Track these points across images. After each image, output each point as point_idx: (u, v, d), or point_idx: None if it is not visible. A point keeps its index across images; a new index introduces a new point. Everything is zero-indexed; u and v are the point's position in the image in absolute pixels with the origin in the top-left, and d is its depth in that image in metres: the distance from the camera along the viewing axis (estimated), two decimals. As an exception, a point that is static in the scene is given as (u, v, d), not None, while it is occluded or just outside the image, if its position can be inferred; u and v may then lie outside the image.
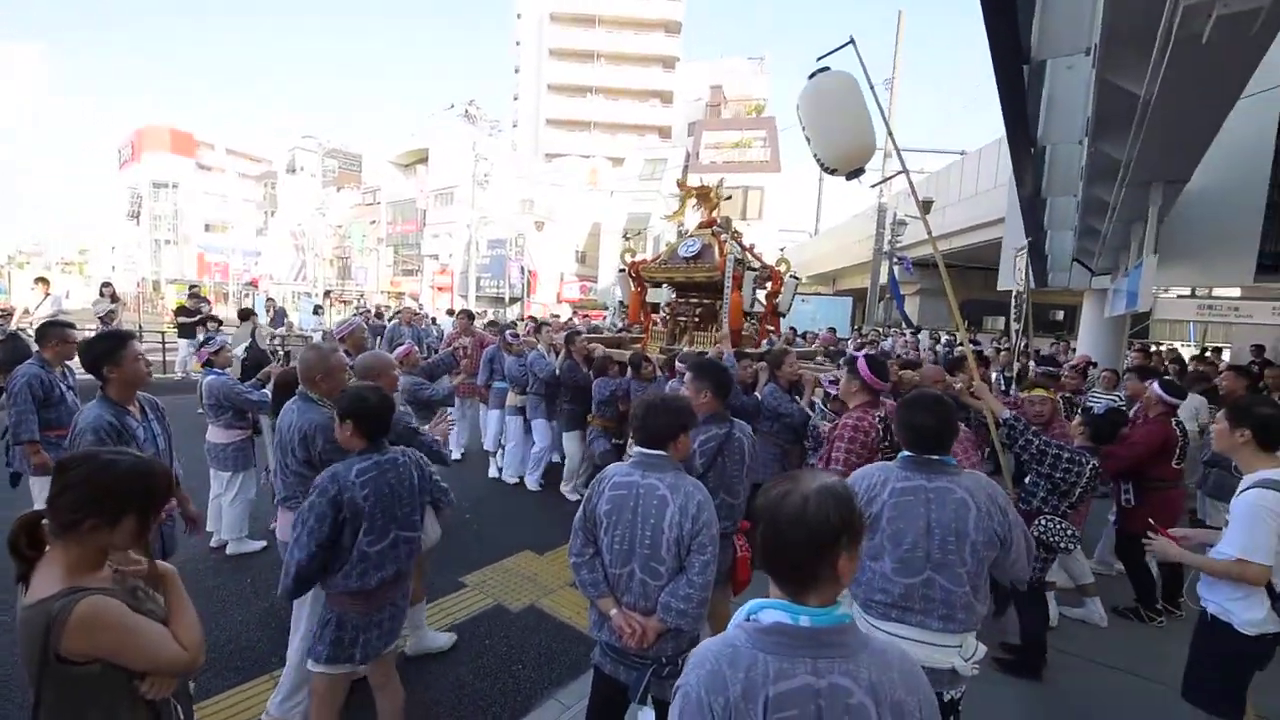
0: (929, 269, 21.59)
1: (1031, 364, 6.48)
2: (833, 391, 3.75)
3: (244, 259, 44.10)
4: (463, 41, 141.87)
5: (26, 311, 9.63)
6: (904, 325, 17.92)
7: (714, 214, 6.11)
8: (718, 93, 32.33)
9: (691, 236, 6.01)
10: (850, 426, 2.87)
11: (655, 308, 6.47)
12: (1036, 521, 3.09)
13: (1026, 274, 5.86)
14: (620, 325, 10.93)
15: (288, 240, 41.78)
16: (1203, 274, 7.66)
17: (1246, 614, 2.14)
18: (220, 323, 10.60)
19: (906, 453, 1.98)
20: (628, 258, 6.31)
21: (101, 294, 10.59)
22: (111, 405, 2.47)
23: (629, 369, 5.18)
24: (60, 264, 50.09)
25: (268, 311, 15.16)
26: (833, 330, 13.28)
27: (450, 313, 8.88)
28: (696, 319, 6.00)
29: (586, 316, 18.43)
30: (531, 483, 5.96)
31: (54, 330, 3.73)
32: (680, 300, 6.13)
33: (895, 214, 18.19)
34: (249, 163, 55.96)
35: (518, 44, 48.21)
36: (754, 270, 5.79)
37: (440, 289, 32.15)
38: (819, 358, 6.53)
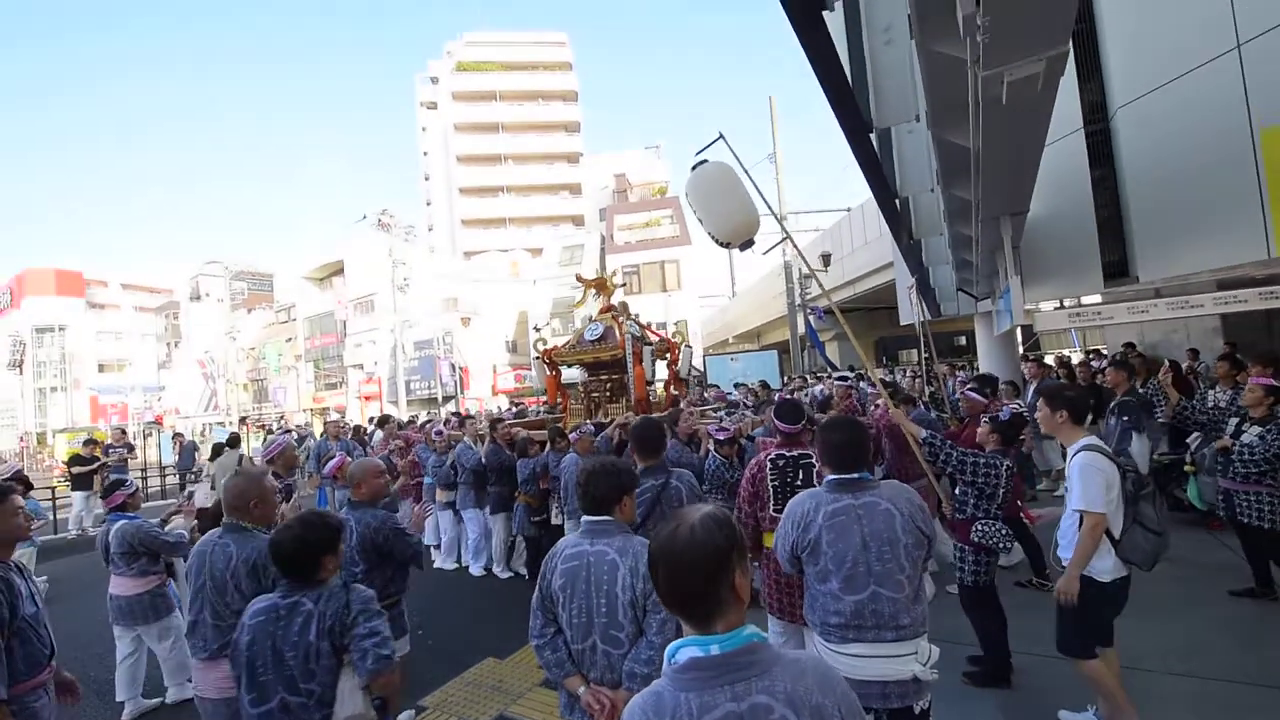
0: (842, 314, 23.13)
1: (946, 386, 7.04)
2: (721, 438, 4.14)
3: (145, 396, 40.90)
4: (369, 157, 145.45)
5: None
6: (829, 369, 18.92)
7: (610, 300, 6.93)
8: (623, 180, 34.50)
9: (595, 321, 6.76)
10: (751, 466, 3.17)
11: (570, 388, 7.27)
12: (974, 528, 3.28)
13: (920, 307, 6.52)
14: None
15: (195, 370, 39.32)
16: (1064, 287, 8.72)
17: (1098, 564, 2.47)
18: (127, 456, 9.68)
19: (831, 476, 2.13)
20: (540, 346, 6.92)
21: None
22: None
23: (548, 445, 5.44)
24: (-80, 431, 44.36)
25: (174, 448, 14.02)
26: (764, 383, 13.80)
27: (380, 421, 8.65)
28: (608, 393, 6.63)
29: (522, 404, 18.25)
30: (476, 569, 6.00)
31: None
32: (591, 379, 6.79)
33: (801, 269, 19.63)
34: (147, 295, 53.18)
35: (425, 154, 49.88)
36: (651, 345, 6.50)
37: (368, 398, 30.92)
38: (717, 410, 7.07)
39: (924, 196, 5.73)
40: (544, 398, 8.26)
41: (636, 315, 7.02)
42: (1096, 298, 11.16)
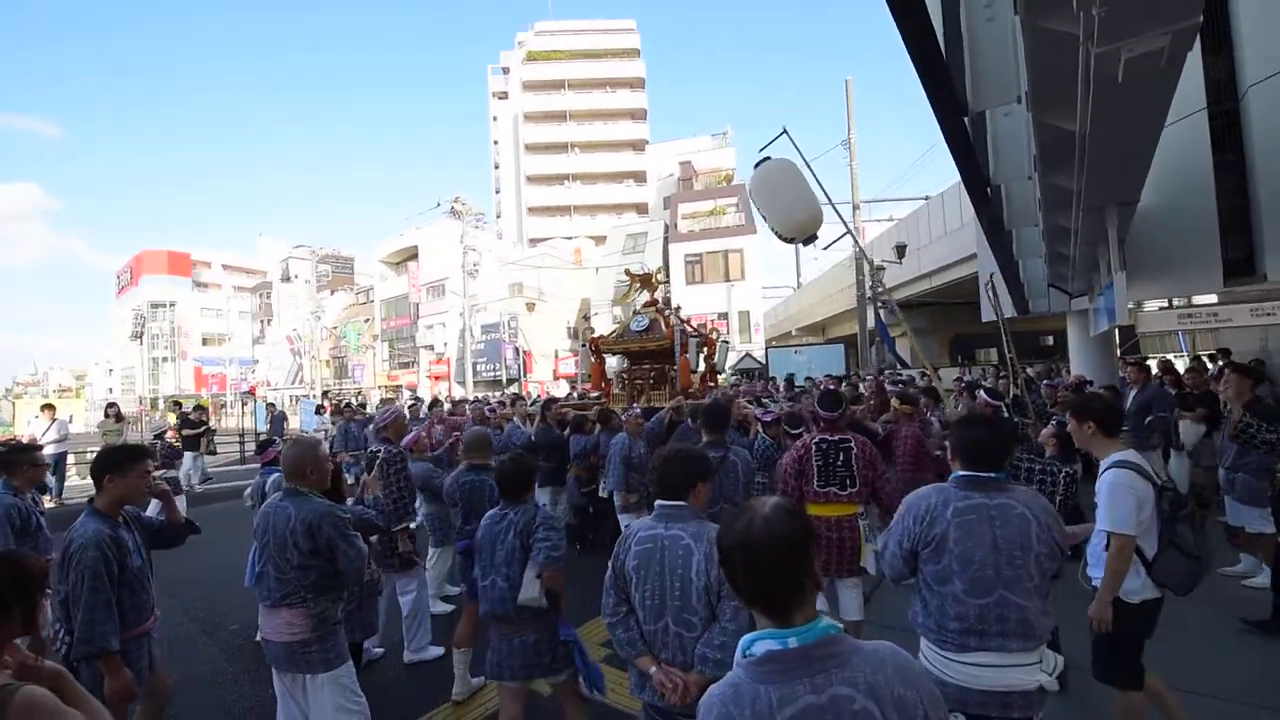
0: (914, 309, 22.11)
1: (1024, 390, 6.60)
2: (767, 419, 4.76)
3: (241, 368, 44.56)
4: (443, 145, 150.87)
5: (34, 440, 9.68)
6: (898, 366, 18.13)
7: (654, 295, 7.49)
8: (688, 167, 34.13)
9: (640, 314, 7.24)
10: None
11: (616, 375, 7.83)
12: None
13: (998, 305, 6.12)
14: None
15: (284, 346, 42.39)
16: (1175, 285, 7.94)
17: (1128, 583, 2.32)
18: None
19: (961, 472, 2.03)
20: (589, 335, 7.34)
21: (106, 414, 10.68)
22: (103, 518, 2.49)
23: (598, 424, 5.83)
24: (59, 391, 50.30)
25: (266, 417, 15.22)
26: (830, 377, 13.48)
27: (431, 403, 9.13)
28: (651, 381, 7.14)
29: (583, 389, 18.58)
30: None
31: (23, 455, 3.62)
32: (634, 367, 7.33)
33: (874, 259, 18.84)
34: (245, 275, 57.72)
35: (495, 143, 51.24)
36: (697, 338, 7.01)
37: (437, 378, 32.40)
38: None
39: (1018, 184, 5.34)
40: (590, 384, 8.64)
41: (678, 308, 7.63)
42: (1211, 298, 10.12)
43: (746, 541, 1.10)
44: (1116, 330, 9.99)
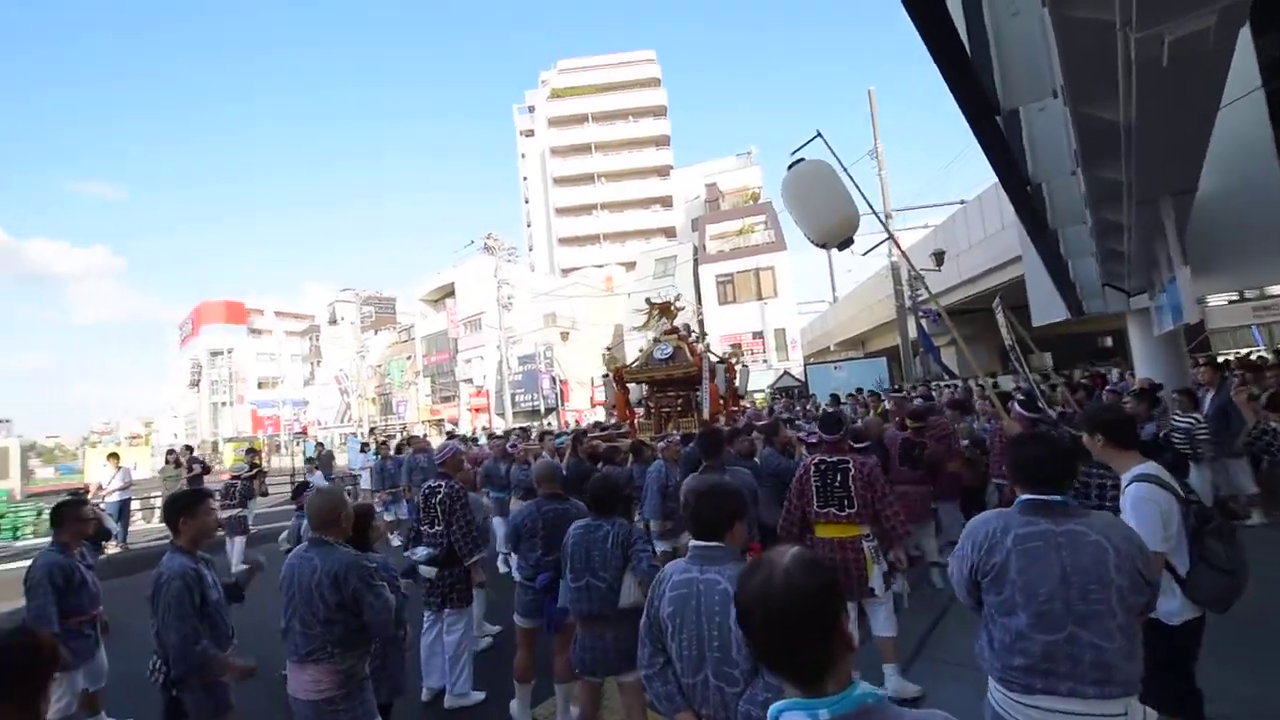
0: (957, 316, 21.33)
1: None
2: (812, 441, 4.56)
3: (293, 409, 46.37)
4: (477, 183, 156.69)
5: (100, 488, 10.20)
6: (945, 377, 17.43)
7: (674, 322, 7.60)
8: (713, 189, 34.27)
9: (662, 342, 7.23)
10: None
11: (638, 403, 7.86)
12: None
13: (1010, 324, 5.67)
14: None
15: (332, 386, 43.98)
16: (1246, 276, 7.39)
17: (1164, 606, 2.18)
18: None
19: (1025, 496, 1.87)
20: (612, 365, 7.49)
21: (167, 461, 11.19)
22: (186, 554, 2.71)
23: (631, 456, 5.66)
24: (129, 439, 53.36)
25: (315, 456, 15.67)
26: (873, 393, 13.03)
27: (448, 435, 9.24)
28: (678, 409, 7.12)
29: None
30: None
31: (68, 510, 3.72)
32: (659, 395, 7.30)
33: (909, 269, 18.32)
34: (294, 320, 60.57)
35: (524, 179, 52.75)
36: (724, 364, 7.14)
37: (477, 410, 32.95)
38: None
39: (1061, 181, 5.06)
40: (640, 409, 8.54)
41: (704, 335, 7.84)
42: (1285, 287, 9.37)
43: (765, 597, 0.99)
44: (1183, 328, 9.34)
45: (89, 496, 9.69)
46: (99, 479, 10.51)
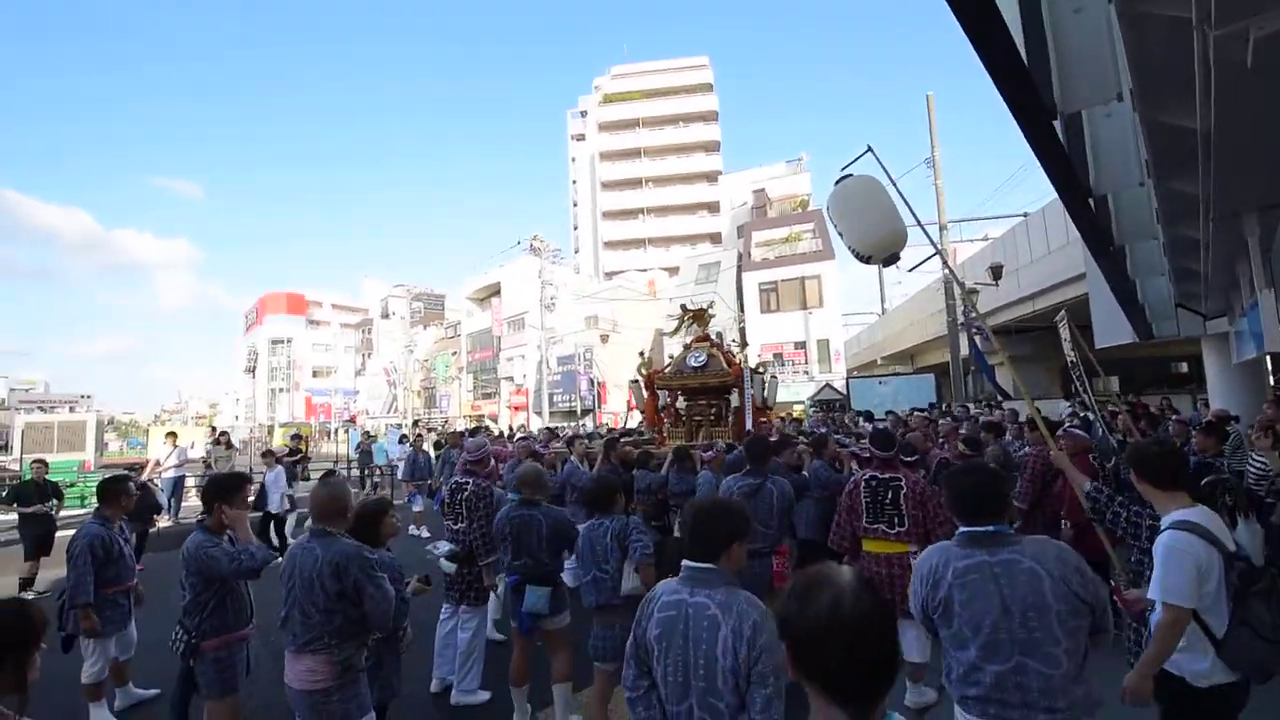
0: (1015, 335, 20.28)
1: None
2: (865, 456, 4.47)
3: (344, 398, 48.31)
4: (527, 186, 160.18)
5: (157, 464, 10.82)
6: (998, 397, 16.57)
7: (706, 330, 7.51)
8: (762, 195, 33.78)
9: (696, 349, 7.10)
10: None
11: (661, 409, 7.74)
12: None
13: (1075, 342, 5.24)
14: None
15: (381, 378, 45.60)
16: (1343, 303, 6.67)
17: (1192, 665, 2.00)
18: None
19: (962, 529, 1.91)
20: (643, 371, 7.33)
21: (218, 442, 11.78)
22: (209, 533, 2.95)
23: (670, 463, 5.55)
24: (195, 419, 56.82)
25: (359, 446, 16.20)
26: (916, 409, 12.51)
27: (472, 431, 9.23)
28: (711, 418, 7.01)
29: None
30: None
31: (113, 486, 3.91)
32: (690, 403, 7.18)
33: (965, 282, 17.53)
34: (350, 313, 63.21)
35: (574, 182, 53.45)
36: (761, 374, 7.02)
37: (516, 408, 33.49)
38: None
39: (1129, 193, 4.68)
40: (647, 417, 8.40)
41: (733, 342, 8.10)
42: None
43: (837, 622, 0.95)
44: (1268, 357, 8.53)
45: (148, 471, 10.29)
46: (158, 455, 11.13)
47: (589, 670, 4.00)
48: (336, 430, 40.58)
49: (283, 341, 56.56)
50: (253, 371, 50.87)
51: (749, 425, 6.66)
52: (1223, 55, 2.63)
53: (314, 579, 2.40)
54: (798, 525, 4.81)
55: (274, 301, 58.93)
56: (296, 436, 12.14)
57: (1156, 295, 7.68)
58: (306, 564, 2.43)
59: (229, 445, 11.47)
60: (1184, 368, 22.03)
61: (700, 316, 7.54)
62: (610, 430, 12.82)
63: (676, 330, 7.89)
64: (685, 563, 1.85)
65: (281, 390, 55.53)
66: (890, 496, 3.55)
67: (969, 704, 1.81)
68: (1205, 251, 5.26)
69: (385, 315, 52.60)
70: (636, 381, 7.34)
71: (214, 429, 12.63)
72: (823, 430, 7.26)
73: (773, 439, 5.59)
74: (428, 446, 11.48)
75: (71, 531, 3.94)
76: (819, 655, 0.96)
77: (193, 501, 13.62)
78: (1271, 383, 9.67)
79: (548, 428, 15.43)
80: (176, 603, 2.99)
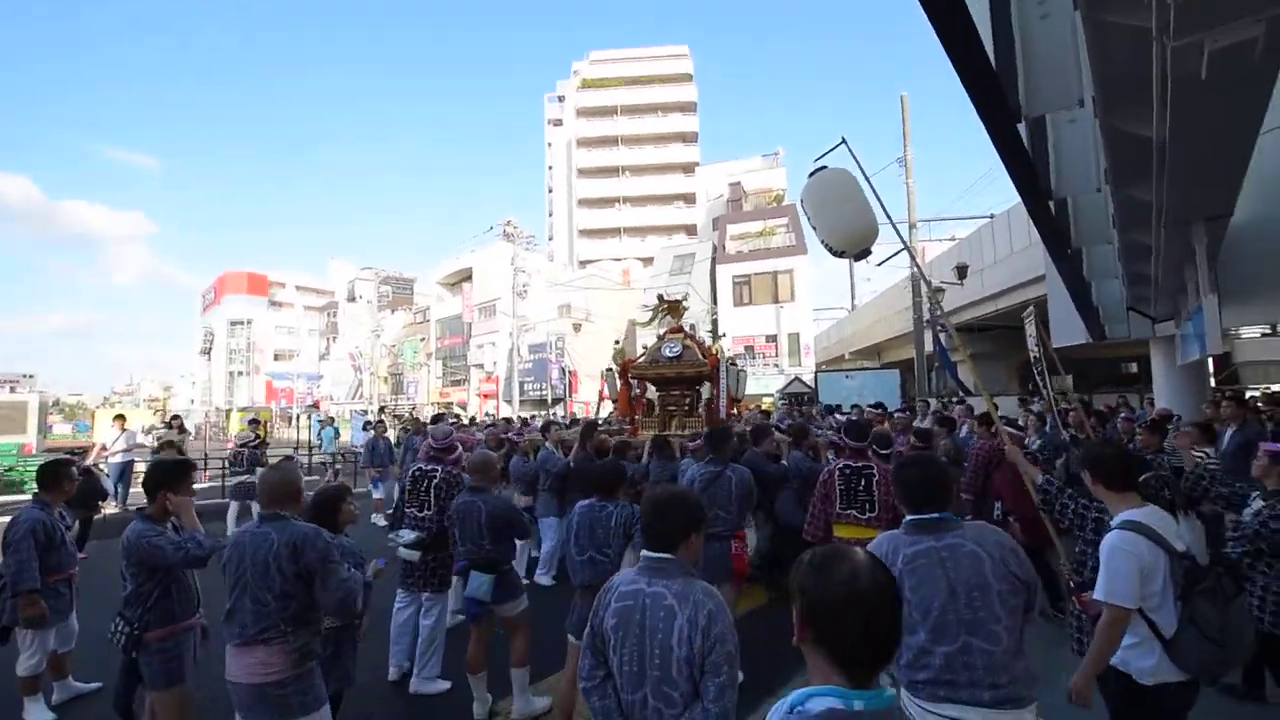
0: (977, 333, 20.89)
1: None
2: (838, 444, 4.83)
3: (307, 383, 47.00)
4: (501, 171, 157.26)
5: (104, 448, 10.34)
6: (959, 394, 17.07)
7: (680, 321, 7.45)
8: (737, 189, 33.92)
9: (670, 340, 7.12)
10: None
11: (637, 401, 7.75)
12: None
13: (1040, 338, 5.46)
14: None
15: (346, 362, 44.50)
16: (1277, 309, 7.04)
17: (1139, 663, 2.05)
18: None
19: (909, 517, 1.98)
20: (619, 360, 7.28)
21: (170, 425, 11.32)
22: (151, 521, 2.81)
23: (649, 453, 5.47)
24: (148, 401, 54.57)
25: (319, 431, 15.79)
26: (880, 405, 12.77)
27: (435, 419, 9.07)
28: (685, 408, 7.09)
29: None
30: (546, 579, 5.90)
31: (55, 470, 3.75)
32: (663, 394, 7.19)
33: (932, 281, 17.94)
34: (315, 295, 61.34)
35: (550, 168, 52.74)
36: (737, 365, 7.25)
37: (486, 395, 33.10)
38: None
39: (1087, 198, 4.84)
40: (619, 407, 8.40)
41: (709, 334, 8.19)
42: (1324, 323, 8.96)
43: (855, 595, 1.01)
44: (1210, 359, 8.96)
45: (93, 456, 9.84)
46: (104, 439, 10.65)
47: (550, 655, 3.96)
48: (299, 416, 39.47)
49: (242, 323, 54.56)
50: (209, 353, 48.98)
51: (722, 414, 6.74)
52: (1179, 66, 2.72)
53: (269, 562, 2.30)
54: (779, 513, 4.98)
55: (234, 281, 56.74)
56: (255, 421, 11.69)
57: (1110, 298, 7.98)
58: (259, 549, 2.33)
59: (181, 429, 11.01)
60: (1134, 368, 23.04)
61: (675, 308, 7.49)
62: (585, 417, 12.74)
63: (652, 320, 7.83)
64: (643, 553, 1.86)
65: (240, 373, 53.66)
66: (863, 484, 3.77)
67: (918, 688, 1.84)
68: (1156, 257, 5.48)
69: (352, 298, 51.23)
70: (611, 370, 7.29)
71: (162, 414, 12.09)
72: (801, 421, 7.36)
73: (750, 429, 5.84)
74: (390, 433, 11.24)
75: (6, 519, 3.74)
76: (837, 626, 1.00)
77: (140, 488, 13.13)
78: (1212, 384, 10.17)
79: (519, 416, 15.30)
80: (120, 593, 2.86)
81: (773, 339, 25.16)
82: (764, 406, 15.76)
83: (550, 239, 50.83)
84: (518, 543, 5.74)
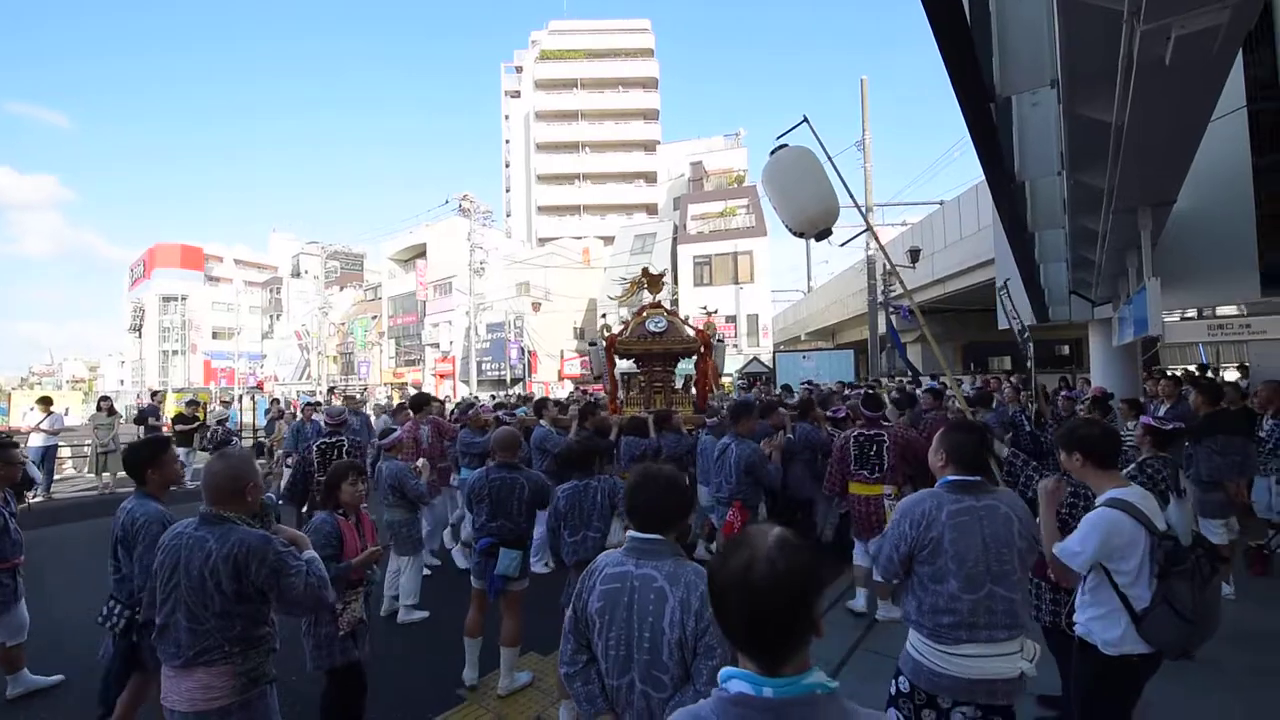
0: (926, 315, 21.65)
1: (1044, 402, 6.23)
2: (840, 416, 5.50)
3: (249, 363, 44.74)
4: (455, 144, 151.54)
5: (17, 430, 9.56)
6: (909, 373, 17.71)
7: (656, 298, 7.30)
8: (699, 168, 33.79)
9: (653, 315, 6.97)
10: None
11: (597, 378, 7.80)
12: None
13: (1014, 312, 5.74)
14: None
15: (292, 341, 42.51)
16: (1207, 294, 7.50)
17: (1104, 633, 2.14)
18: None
19: (953, 476, 2.14)
20: (606, 333, 7.01)
21: (99, 408, 10.54)
22: (156, 499, 2.80)
23: (654, 427, 5.51)
24: (71, 382, 50.82)
25: (268, 413, 15.02)
26: (842, 384, 13.14)
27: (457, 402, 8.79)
28: (673, 386, 7.00)
29: (587, 391, 18.26)
30: (537, 566, 5.66)
31: None
32: (647, 369, 7.07)
33: (885, 264, 18.43)
34: (256, 270, 58.13)
35: (507, 141, 51.21)
36: (723, 341, 7.25)
37: (442, 376, 32.30)
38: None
39: (1044, 182, 4.99)
40: (601, 384, 8.22)
41: (675, 308, 8.11)
42: (1234, 309, 9.65)
43: (746, 582, 0.97)
44: (1139, 341, 9.54)
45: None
46: (25, 423, 9.83)
47: (538, 636, 4.06)
48: (241, 397, 37.59)
49: (176, 298, 51.21)
50: (139, 331, 45.77)
51: (711, 388, 6.95)
52: (1146, 50, 2.77)
53: (205, 577, 1.95)
54: (790, 484, 5.25)
55: (166, 254, 53.02)
56: (193, 403, 11.05)
57: (1056, 281, 8.36)
58: (195, 559, 1.97)
59: (111, 412, 10.26)
60: (1065, 350, 24.42)
61: (656, 282, 7.30)
62: (585, 395, 12.47)
63: (626, 295, 7.65)
64: (631, 534, 1.80)
65: (175, 352, 50.57)
66: (875, 449, 4.38)
67: (941, 631, 2.03)
68: (1102, 242, 5.72)
69: (297, 274, 48.76)
70: (594, 344, 7.11)
71: (154, 394, 11.27)
72: (810, 395, 7.54)
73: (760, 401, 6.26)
74: (318, 416, 10.73)
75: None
76: (727, 610, 1.00)
77: (68, 472, 12.25)
78: (1141, 363, 10.85)
79: (492, 395, 14.88)
80: (56, 583, 2.64)
81: (732, 319, 25.40)
82: (724, 386, 15.93)
83: (508, 215, 49.62)
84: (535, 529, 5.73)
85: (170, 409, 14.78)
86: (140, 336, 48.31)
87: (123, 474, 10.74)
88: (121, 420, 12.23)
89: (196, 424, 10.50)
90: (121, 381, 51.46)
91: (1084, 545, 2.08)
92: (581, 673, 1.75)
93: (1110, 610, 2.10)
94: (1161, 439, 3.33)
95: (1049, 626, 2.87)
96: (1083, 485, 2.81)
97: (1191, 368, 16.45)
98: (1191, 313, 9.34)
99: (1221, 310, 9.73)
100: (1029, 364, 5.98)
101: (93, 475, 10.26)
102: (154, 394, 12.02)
